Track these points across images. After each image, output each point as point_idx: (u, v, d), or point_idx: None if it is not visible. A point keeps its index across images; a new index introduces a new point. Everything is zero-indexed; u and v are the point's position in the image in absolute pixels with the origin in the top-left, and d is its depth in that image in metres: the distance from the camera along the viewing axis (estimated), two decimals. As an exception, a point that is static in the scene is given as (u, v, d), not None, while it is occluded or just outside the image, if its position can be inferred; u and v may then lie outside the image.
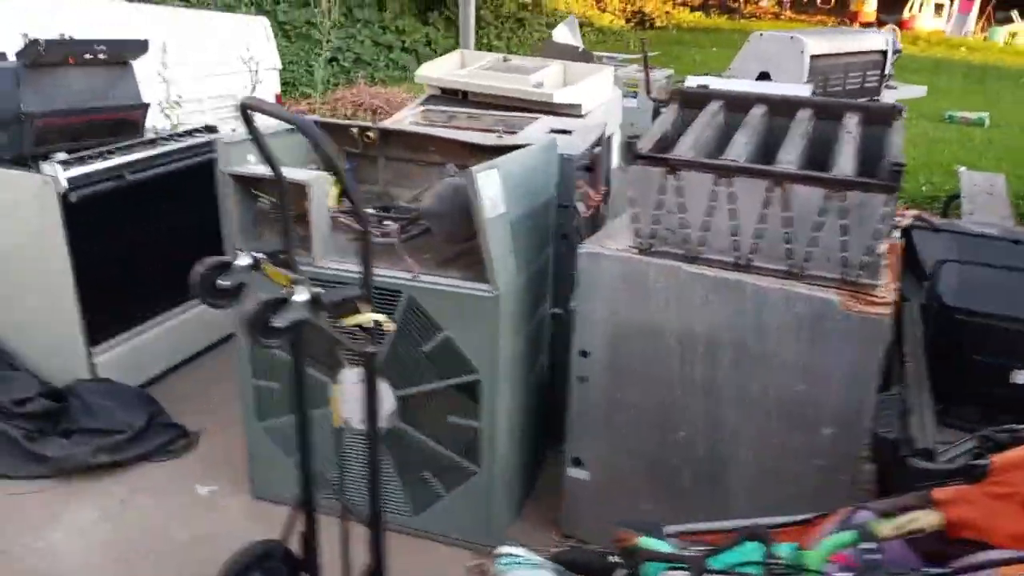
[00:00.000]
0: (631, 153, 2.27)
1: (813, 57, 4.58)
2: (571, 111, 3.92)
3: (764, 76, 4.84)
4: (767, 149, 2.44)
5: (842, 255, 2.17)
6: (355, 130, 3.03)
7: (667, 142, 2.43)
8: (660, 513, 2.67)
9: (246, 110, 1.93)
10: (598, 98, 4.11)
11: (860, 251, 2.15)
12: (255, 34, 5.22)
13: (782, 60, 4.67)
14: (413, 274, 2.56)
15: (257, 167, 2.68)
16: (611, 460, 2.69)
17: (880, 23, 19.55)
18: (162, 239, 3.74)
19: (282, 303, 1.77)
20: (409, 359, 2.63)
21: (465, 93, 4.22)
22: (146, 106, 3.71)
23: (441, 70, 4.37)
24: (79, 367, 3.47)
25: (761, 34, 5.02)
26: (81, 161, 3.32)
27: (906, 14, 19.68)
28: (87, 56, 3.33)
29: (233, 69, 5.13)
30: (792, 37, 4.66)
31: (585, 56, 5.03)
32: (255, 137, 1.99)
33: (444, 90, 4.29)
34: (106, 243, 3.45)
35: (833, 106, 2.60)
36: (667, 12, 20.74)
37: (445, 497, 2.79)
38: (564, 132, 3.27)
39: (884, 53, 4.98)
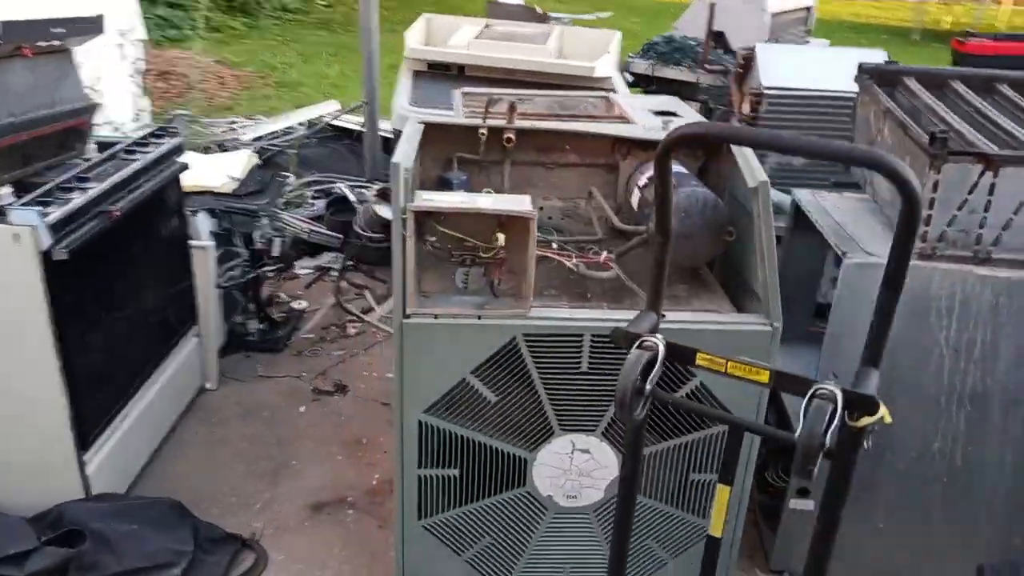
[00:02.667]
0: (942, 150, 1.96)
1: (773, 15, 4.50)
2: (605, 84, 3.47)
3: (718, 35, 4.68)
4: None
5: None
6: (483, 132, 2.36)
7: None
8: (896, 530, 2.48)
9: (674, 146, 1.33)
10: (614, 67, 3.69)
11: None
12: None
13: (742, 18, 4.54)
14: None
15: (442, 197, 1.98)
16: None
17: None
18: (141, 287, 2.77)
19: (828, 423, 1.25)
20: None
21: (461, 68, 3.59)
22: (95, 107, 2.66)
23: (418, 40, 3.67)
24: (69, 484, 2.49)
25: (714, -9, 4.82)
26: (48, 197, 2.28)
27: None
28: (42, 44, 2.26)
29: (103, 44, 3.93)
30: (751, -7, 4.55)
31: (542, 16, 4.52)
32: (663, 185, 1.39)
33: (431, 65, 3.62)
34: (94, 308, 2.46)
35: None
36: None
37: (669, 563, 2.36)
38: (671, 114, 2.84)
39: (810, 9, 5.05)
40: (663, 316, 1.53)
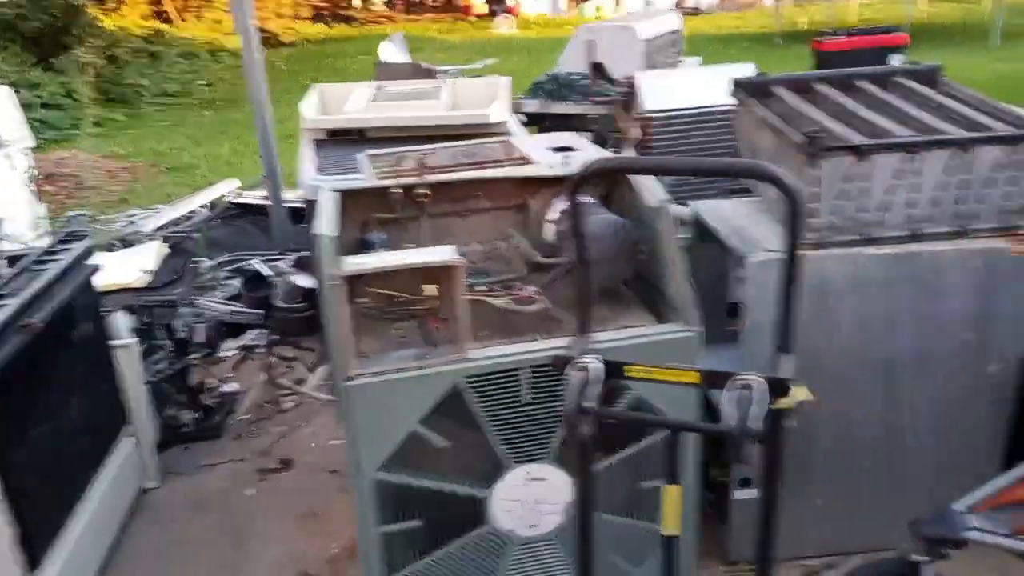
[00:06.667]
0: (817, 147, 2.15)
1: (646, 42, 4.76)
2: (502, 129, 3.61)
3: (598, 67, 4.92)
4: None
5: (1006, 204, 2.30)
6: (398, 191, 2.45)
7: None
8: (834, 504, 2.64)
9: (582, 181, 1.45)
10: (507, 111, 3.85)
11: (1022, 198, 2.29)
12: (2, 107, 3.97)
13: (616, 49, 4.79)
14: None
15: (368, 259, 2.05)
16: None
17: (492, 13, 21.05)
18: (67, 396, 2.73)
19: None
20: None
21: (362, 132, 3.69)
22: (-3, 222, 2.63)
23: (314, 110, 3.75)
24: (22, 609, 2.40)
25: (589, 26, 5.05)
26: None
27: (511, 2, 21.40)
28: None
29: (-10, 157, 3.86)
30: (624, 26, 4.79)
31: (429, 71, 4.66)
32: (577, 216, 1.50)
33: (332, 132, 3.70)
34: (24, 425, 2.41)
35: (883, 74, 2.73)
36: (292, 28, 20.03)
37: (633, 573, 2.45)
38: (568, 149, 3.00)
39: (678, 31, 5.36)
40: (592, 338, 1.63)
